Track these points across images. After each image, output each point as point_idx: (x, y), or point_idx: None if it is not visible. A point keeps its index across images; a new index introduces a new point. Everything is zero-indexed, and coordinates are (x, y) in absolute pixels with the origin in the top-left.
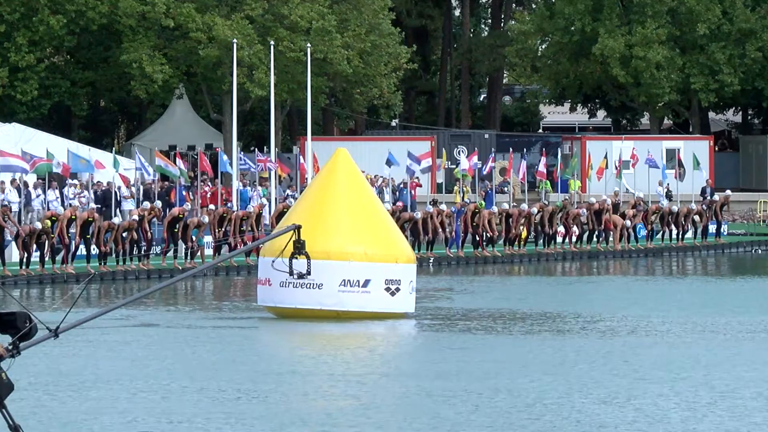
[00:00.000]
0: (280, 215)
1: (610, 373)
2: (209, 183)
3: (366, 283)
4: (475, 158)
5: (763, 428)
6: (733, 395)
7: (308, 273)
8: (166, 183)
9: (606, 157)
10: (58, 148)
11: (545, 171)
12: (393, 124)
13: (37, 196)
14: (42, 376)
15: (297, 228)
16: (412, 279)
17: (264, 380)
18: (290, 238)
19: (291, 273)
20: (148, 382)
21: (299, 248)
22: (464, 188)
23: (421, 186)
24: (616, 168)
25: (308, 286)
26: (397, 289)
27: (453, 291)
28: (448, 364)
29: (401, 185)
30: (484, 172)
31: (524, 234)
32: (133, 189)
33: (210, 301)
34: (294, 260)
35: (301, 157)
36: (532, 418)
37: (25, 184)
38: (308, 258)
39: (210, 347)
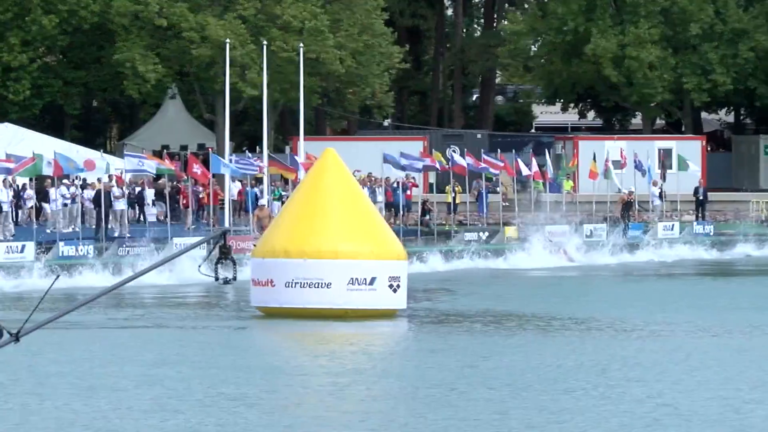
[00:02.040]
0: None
1: (606, 373)
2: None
3: (372, 280)
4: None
5: None
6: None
7: (234, 279)
8: (162, 180)
9: (595, 158)
10: (49, 149)
11: (536, 171)
12: (385, 124)
13: (62, 195)
14: (29, 377)
15: (224, 233)
16: (406, 275)
17: (264, 382)
18: (216, 244)
19: (216, 279)
20: (148, 383)
21: (225, 253)
22: (456, 188)
23: (417, 186)
24: (619, 166)
25: (317, 285)
26: (398, 286)
27: (450, 291)
28: (446, 364)
29: (395, 185)
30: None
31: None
32: (125, 189)
33: (199, 301)
34: (220, 265)
35: (296, 158)
36: (532, 419)
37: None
38: (234, 263)
39: (205, 348)
